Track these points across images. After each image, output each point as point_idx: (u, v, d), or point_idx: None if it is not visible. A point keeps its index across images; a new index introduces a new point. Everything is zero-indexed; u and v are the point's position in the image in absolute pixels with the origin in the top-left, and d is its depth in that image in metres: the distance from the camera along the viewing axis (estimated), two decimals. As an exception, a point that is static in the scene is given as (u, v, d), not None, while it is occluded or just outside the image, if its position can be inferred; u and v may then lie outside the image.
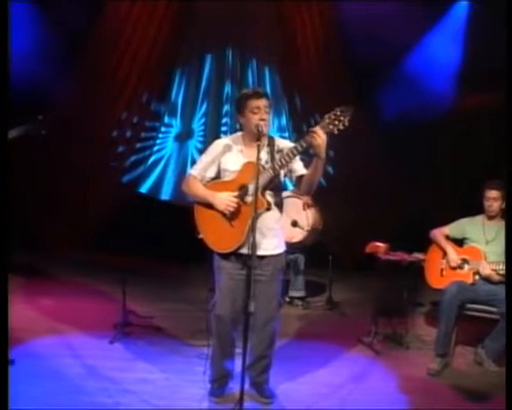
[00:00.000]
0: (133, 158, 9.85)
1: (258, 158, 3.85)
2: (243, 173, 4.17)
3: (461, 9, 8.81)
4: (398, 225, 8.53)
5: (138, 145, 9.90)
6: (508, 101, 5.35)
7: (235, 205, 4.15)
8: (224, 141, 4.41)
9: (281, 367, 4.81)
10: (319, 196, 6.50)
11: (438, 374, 5.32)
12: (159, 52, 9.40)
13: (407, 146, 8.46)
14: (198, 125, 9.95)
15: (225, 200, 4.17)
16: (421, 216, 8.43)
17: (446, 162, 8.76)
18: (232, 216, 4.18)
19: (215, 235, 4.24)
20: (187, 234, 8.67)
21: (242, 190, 4.18)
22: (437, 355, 5.43)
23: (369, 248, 6.32)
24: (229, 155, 4.29)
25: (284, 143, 4.27)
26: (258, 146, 3.87)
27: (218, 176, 4.35)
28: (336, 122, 3.87)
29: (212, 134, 9.62)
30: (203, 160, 4.39)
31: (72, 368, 4.98)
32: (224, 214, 4.21)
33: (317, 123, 4.00)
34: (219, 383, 4.53)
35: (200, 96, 9.93)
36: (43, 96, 8.51)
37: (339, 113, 3.89)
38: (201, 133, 9.94)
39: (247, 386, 4.56)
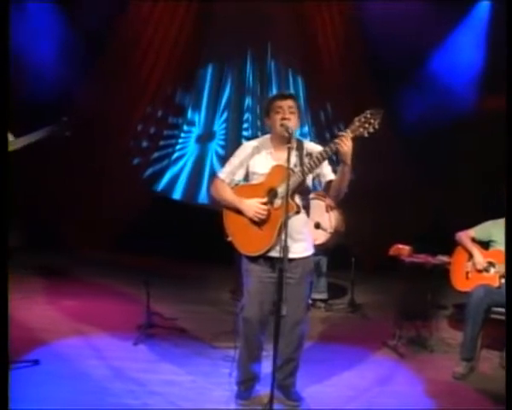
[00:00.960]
0: (153, 160, 9.85)
1: (289, 161, 3.83)
2: (272, 176, 4.16)
3: (483, 9, 8.74)
4: (419, 228, 8.49)
5: (159, 145, 9.91)
6: (508, 101, 5.31)
7: (264, 212, 4.13)
8: (252, 144, 4.40)
9: (306, 370, 4.78)
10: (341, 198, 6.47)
11: (463, 378, 5.28)
12: (180, 54, 9.42)
13: (429, 148, 8.42)
14: (219, 126, 9.95)
15: (254, 207, 4.16)
16: (443, 218, 8.40)
17: (468, 164, 8.70)
18: (261, 219, 4.16)
19: (244, 238, 4.23)
20: (209, 235, 8.73)
21: (271, 194, 4.16)
22: (463, 359, 5.38)
23: (392, 251, 6.28)
24: (258, 158, 4.28)
25: (313, 147, 4.25)
26: (289, 149, 3.85)
27: (246, 179, 4.34)
28: (366, 125, 3.87)
29: (234, 136, 9.63)
30: (231, 162, 4.38)
31: (98, 369, 4.98)
32: None
33: (339, 125, 4.00)
34: (246, 385, 4.52)
35: (222, 98, 9.92)
36: (66, 97, 8.55)
37: (369, 115, 3.89)
38: (223, 136, 9.93)
39: (270, 389, 4.57)
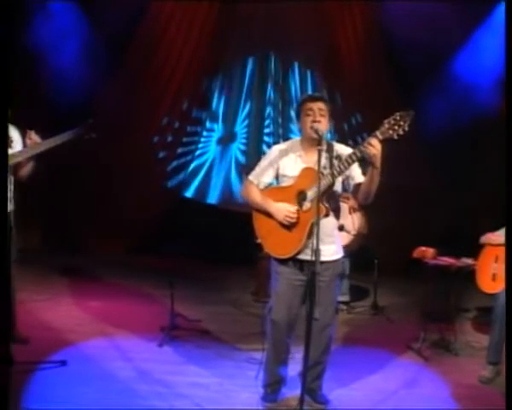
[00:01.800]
0: (175, 163, 9.87)
1: (320, 163, 3.82)
2: (302, 179, 4.15)
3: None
4: (442, 230, 8.44)
5: (180, 150, 9.93)
6: (508, 102, 5.26)
7: (294, 216, 4.13)
8: (281, 146, 4.40)
9: (331, 373, 4.77)
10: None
11: (489, 382, 5.23)
12: (201, 54, 9.43)
13: (451, 149, 8.37)
14: (240, 128, 9.94)
15: (284, 211, 4.16)
16: (465, 220, 8.34)
17: (491, 166, 8.63)
18: (291, 222, 4.15)
19: (273, 240, 4.23)
20: (230, 237, 8.76)
21: (301, 196, 4.16)
22: (489, 363, 5.34)
23: (416, 253, 6.26)
24: (288, 161, 4.28)
25: (342, 149, 4.25)
26: (319, 151, 3.84)
27: (275, 181, 4.34)
28: (396, 127, 3.86)
29: (255, 137, 9.64)
30: (261, 165, 4.39)
31: (124, 371, 5.00)
32: None
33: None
34: (273, 388, 4.51)
35: (243, 99, 9.92)
36: (89, 98, 8.58)
37: (398, 118, 3.88)
38: (244, 136, 9.93)
39: (300, 392, 4.56)
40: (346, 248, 6.92)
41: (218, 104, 9.99)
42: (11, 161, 4.89)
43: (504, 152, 4.43)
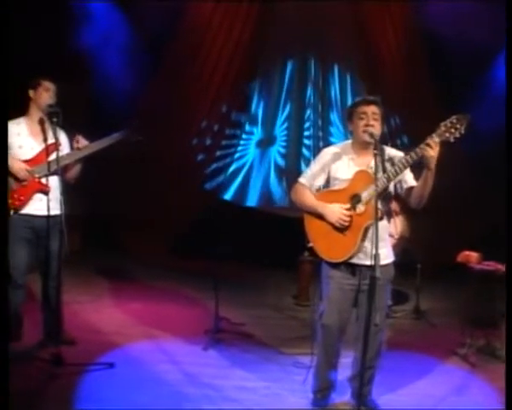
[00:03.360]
0: (214, 166, 9.88)
1: (377, 167, 3.81)
2: (355, 182, 4.12)
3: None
4: (484, 233, 8.35)
5: (219, 153, 9.93)
6: (508, 101, 5.17)
7: (347, 218, 4.10)
8: (333, 149, 4.37)
9: (379, 378, 4.72)
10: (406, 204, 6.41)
11: (538, 388, 5.15)
12: (241, 56, 9.42)
13: (493, 151, 8.27)
14: (280, 131, 9.93)
15: (337, 212, 4.12)
16: (507, 225, 8.22)
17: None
18: (344, 225, 4.13)
19: (326, 244, 4.20)
20: (269, 240, 8.73)
21: (354, 199, 4.12)
22: (538, 369, 5.25)
23: (460, 258, 6.19)
24: (340, 164, 4.25)
25: (394, 153, 4.22)
26: (375, 155, 3.83)
27: (326, 184, 4.31)
28: (453, 130, 3.85)
29: (295, 140, 9.62)
30: (312, 168, 4.36)
31: (171, 374, 5.00)
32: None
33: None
34: (323, 394, 4.48)
35: (282, 102, 9.90)
36: (128, 102, 8.63)
37: (455, 121, 3.87)
38: (283, 139, 9.92)
39: (349, 397, 4.53)
40: (390, 252, 6.91)
41: (258, 107, 9.99)
42: (60, 164, 4.93)
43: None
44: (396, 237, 6.88)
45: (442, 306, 7.64)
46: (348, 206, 4.13)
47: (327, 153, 4.35)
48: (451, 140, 3.84)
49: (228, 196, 9.94)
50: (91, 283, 7.69)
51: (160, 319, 6.46)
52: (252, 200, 9.95)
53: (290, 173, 9.16)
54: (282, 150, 9.89)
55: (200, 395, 4.64)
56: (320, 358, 4.43)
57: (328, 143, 7.92)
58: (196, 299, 7.19)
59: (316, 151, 8.43)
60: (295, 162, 9.56)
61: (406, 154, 4.03)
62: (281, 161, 9.81)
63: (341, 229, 4.13)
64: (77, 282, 7.35)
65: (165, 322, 6.33)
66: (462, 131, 3.84)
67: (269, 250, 8.60)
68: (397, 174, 4.01)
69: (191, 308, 6.92)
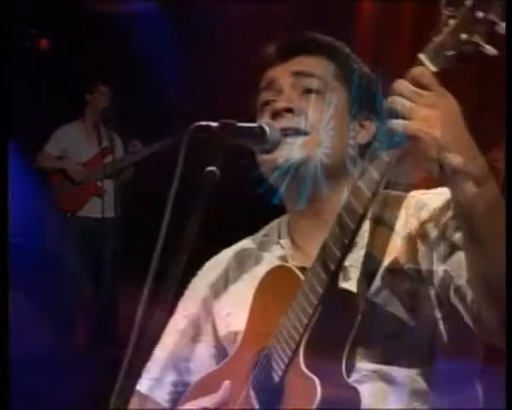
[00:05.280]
0: (259, 170, 9.82)
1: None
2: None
3: None
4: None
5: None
6: (508, 101, 4.97)
7: None
8: None
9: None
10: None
11: None
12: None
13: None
14: (326, 134, 9.83)
15: None
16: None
17: None
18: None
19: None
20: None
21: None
22: None
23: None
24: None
25: None
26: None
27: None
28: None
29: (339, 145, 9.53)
30: None
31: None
32: None
33: None
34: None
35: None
36: (176, 105, 8.65)
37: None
38: (329, 140, 9.83)
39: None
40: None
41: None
42: (114, 167, 4.98)
43: None
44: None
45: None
46: None
47: None
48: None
49: (276, 200, 9.82)
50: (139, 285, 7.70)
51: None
52: (300, 203, 9.85)
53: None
54: (328, 151, 9.79)
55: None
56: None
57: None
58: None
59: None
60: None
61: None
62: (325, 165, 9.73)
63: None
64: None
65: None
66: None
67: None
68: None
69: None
